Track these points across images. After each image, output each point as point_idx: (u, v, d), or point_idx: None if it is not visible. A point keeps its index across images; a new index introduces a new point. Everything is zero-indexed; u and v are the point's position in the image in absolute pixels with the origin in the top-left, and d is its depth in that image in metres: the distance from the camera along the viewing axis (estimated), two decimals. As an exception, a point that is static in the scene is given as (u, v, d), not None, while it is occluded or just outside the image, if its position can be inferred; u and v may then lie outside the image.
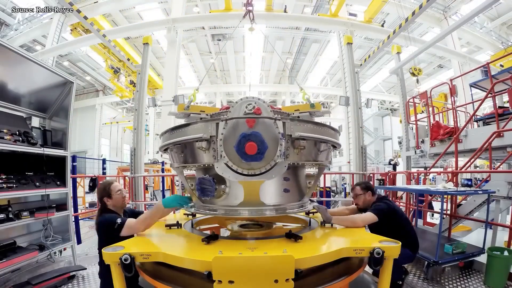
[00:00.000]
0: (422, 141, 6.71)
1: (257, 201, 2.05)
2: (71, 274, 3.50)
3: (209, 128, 1.89)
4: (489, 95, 4.57)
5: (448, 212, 4.34)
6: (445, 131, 5.76)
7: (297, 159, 2.00)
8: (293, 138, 1.91)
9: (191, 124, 2.01)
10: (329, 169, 9.28)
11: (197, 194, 2.09)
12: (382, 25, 10.81)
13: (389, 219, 2.69)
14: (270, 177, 1.90)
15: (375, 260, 1.68)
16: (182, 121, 2.37)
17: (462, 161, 5.66)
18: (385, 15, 12.96)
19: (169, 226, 2.43)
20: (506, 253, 3.20)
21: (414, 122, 6.99)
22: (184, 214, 2.96)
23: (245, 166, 1.84)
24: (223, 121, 1.84)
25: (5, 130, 3.03)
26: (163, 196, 7.56)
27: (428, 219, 5.50)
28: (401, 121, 8.83)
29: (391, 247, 1.73)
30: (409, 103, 7.70)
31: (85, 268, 3.66)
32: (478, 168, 12.55)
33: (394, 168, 10.99)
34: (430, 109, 6.60)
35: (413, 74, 8.47)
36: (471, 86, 6.71)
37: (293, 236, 1.96)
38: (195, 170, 2.39)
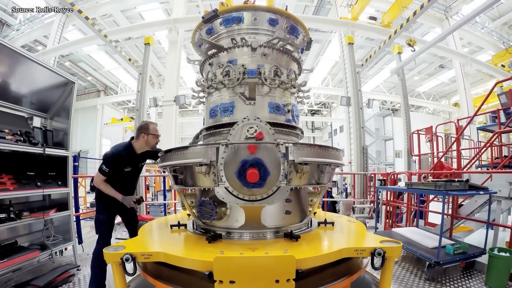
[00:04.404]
0: (425, 177, 6.72)
1: (258, 224, 2.03)
2: (72, 273, 3.51)
3: (209, 152, 1.86)
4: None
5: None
6: (447, 174, 5.46)
7: (299, 183, 1.97)
8: (296, 162, 1.87)
9: (190, 147, 1.99)
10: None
11: (198, 216, 2.08)
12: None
13: None
14: (272, 202, 1.88)
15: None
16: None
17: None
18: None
19: (171, 226, 2.43)
20: (507, 253, 3.19)
21: (418, 155, 7.09)
22: (187, 214, 2.96)
23: (246, 192, 1.82)
24: (224, 146, 1.81)
25: (6, 130, 3.04)
26: (164, 197, 7.56)
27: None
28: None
29: (392, 248, 1.72)
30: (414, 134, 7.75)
31: (79, 266, 3.73)
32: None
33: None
34: (435, 145, 6.67)
35: (409, 45, 8.56)
36: (478, 129, 6.91)
37: (292, 236, 1.96)
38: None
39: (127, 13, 13.62)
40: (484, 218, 3.78)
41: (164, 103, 9.28)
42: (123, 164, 2.76)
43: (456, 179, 3.47)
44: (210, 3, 12.77)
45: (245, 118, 1.89)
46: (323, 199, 6.72)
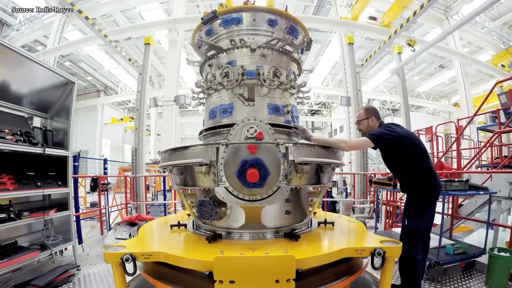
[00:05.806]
0: None
1: (258, 223, 2.03)
2: (72, 273, 3.51)
3: (209, 152, 1.86)
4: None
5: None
6: (447, 174, 5.36)
7: (299, 183, 1.96)
8: (296, 162, 1.87)
9: (190, 147, 1.99)
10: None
11: (198, 215, 2.08)
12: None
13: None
14: (272, 202, 1.88)
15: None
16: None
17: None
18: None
19: (171, 226, 2.43)
20: (507, 253, 3.19)
21: None
22: (187, 214, 2.96)
23: (246, 192, 1.82)
24: (224, 146, 1.81)
25: (6, 130, 3.04)
26: (164, 197, 7.56)
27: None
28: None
29: (392, 248, 1.72)
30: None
31: (79, 266, 3.73)
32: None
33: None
34: (435, 145, 6.67)
35: (409, 45, 8.55)
36: (478, 129, 6.97)
37: (292, 236, 1.96)
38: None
39: (127, 13, 13.61)
40: (484, 218, 3.78)
41: (164, 103, 9.28)
42: None
43: (456, 179, 3.47)
44: (210, 3, 12.78)
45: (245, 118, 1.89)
46: (323, 199, 6.72)
